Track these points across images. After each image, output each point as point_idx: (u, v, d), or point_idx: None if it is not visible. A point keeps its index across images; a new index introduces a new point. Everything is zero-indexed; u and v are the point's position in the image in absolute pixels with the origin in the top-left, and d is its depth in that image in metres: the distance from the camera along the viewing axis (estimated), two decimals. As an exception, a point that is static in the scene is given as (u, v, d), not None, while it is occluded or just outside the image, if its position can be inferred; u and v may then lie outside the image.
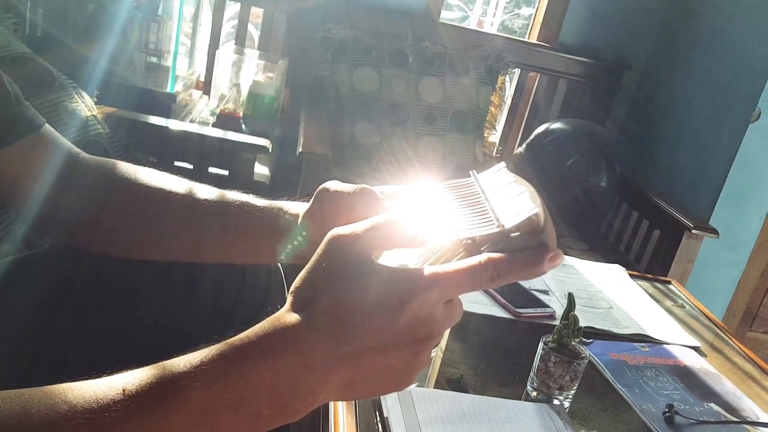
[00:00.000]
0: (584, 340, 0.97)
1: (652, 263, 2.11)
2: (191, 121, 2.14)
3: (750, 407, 0.98)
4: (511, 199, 0.49)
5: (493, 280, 0.44)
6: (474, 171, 0.55)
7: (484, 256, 0.44)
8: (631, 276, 1.42)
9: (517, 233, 0.46)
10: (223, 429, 0.40)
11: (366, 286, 0.42)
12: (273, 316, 0.42)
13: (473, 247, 0.47)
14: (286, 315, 0.42)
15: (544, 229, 0.46)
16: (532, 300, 1.16)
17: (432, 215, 0.51)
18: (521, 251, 0.45)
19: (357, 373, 0.42)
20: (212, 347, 0.41)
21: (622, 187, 2.31)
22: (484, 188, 0.52)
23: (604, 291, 1.30)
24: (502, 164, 0.54)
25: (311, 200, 0.61)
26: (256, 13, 2.53)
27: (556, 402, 0.86)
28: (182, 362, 0.40)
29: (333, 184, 0.60)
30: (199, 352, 0.41)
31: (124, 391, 0.39)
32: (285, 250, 0.63)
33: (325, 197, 0.60)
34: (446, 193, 0.53)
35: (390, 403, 0.77)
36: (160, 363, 0.40)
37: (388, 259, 0.49)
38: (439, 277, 0.43)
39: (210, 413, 0.39)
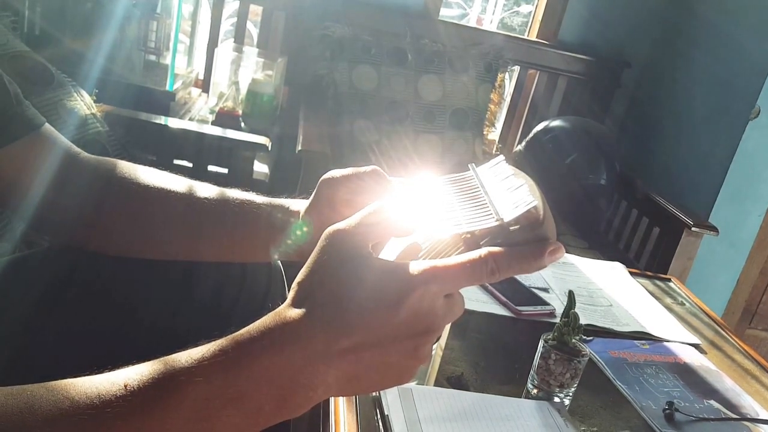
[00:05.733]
0: (584, 337, 0.97)
1: (652, 261, 2.11)
2: (190, 120, 2.14)
3: (750, 404, 0.98)
4: (510, 192, 0.48)
5: (494, 274, 0.44)
6: (473, 164, 0.55)
7: (484, 250, 0.44)
8: (631, 273, 1.42)
9: (517, 226, 0.46)
10: (224, 424, 0.40)
11: (365, 280, 0.42)
12: (274, 311, 0.42)
13: (473, 241, 0.47)
14: (287, 310, 0.42)
15: (543, 222, 0.46)
16: (532, 298, 1.16)
17: (428, 204, 0.51)
18: (521, 245, 0.45)
19: (357, 367, 0.42)
20: (213, 343, 0.41)
21: (622, 185, 2.31)
22: (482, 181, 0.52)
23: (604, 289, 1.30)
24: (501, 157, 0.54)
25: (312, 195, 0.61)
26: (255, 11, 2.52)
27: (556, 399, 0.86)
28: (183, 357, 0.40)
29: (337, 171, 0.59)
30: (200, 347, 0.41)
31: (125, 386, 0.39)
32: (285, 248, 0.63)
33: (330, 187, 0.59)
34: (445, 187, 0.53)
35: (390, 400, 0.77)
36: (161, 358, 0.40)
37: (391, 250, 0.49)
38: (439, 271, 0.43)
39: (211, 408, 0.39)
